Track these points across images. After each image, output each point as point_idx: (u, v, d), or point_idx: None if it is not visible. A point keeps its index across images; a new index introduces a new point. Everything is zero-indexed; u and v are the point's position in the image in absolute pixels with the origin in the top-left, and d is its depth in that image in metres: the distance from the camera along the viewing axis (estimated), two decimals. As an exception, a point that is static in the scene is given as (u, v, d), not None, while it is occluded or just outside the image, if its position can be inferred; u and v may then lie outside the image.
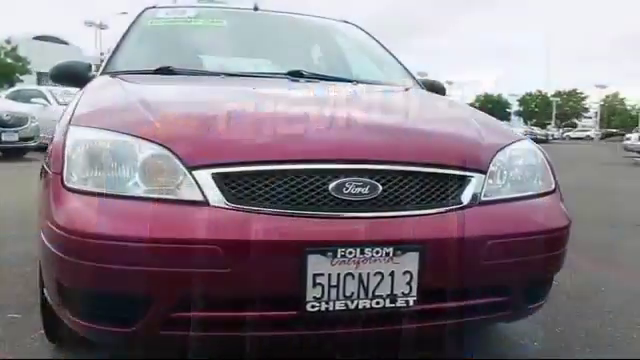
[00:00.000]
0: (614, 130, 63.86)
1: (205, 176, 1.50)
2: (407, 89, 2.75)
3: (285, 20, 3.24)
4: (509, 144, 1.87)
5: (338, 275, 1.48)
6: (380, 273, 1.50)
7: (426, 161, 1.66)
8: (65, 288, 1.54)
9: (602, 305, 2.77)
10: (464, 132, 1.92)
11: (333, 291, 1.48)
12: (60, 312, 1.62)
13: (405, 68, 3.05)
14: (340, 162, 1.57)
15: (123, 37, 2.76)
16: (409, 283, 1.52)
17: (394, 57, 3.15)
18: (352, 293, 1.49)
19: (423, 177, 1.63)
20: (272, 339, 1.58)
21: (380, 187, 1.56)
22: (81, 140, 1.61)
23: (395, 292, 1.52)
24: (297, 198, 1.51)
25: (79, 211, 1.50)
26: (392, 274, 1.51)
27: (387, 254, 1.50)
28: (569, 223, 1.80)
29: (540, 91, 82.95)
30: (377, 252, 1.49)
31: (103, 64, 2.62)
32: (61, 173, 1.56)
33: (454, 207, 1.63)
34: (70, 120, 1.73)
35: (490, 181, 1.72)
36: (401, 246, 1.51)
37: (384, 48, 3.21)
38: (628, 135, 22.41)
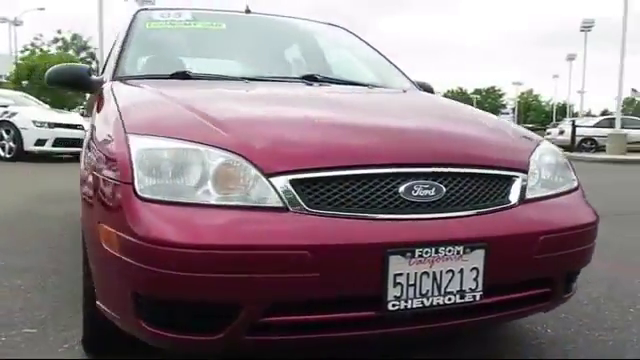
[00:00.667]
0: (530, 125, 67.24)
1: (283, 182, 1.53)
2: (405, 90, 2.86)
3: (282, 24, 3.27)
4: (538, 145, 2.01)
5: (415, 274, 1.55)
6: (451, 271, 1.59)
7: (480, 163, 1.77)
8: (143, 299, 1.52)
9: (591, 292, 2.97)
10: (502, 135, 2.04)
11: (411, 290, 1.55)
12: (130, 323, 1.59)
13: (399, 69, 3.16)
14: (409, 166, 1.65)
15: (125, 40, 2.70)
16: (476, 279, 1.62)
17: (386, 58, 3.25)
18: (427, 291, 1.57)
19: (478, 178, 1.73)
20: (353, 339, 1.62)
21: (444, 189, 1.65)
22: (148, 149, 1.60)
23: (464, 288, 1.61)
24: (370, 201, 1.57)
25: (160, 221, 1.48)
26: (461, 271, 1.60)
27: (457, 252, 1.58)
28: (598, 218, 1.95)
29: (461, 88, 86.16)
30: (449, 251, 1.57)
31: (110, 69, 2.55)
32: (132, 183, 1.54)
33: (506, 206, 1.74)
34: (124, 128, 1.70)
35: (530, 180, 1.85)
36: (470, 244, 1.60)
37: (375, 50, 3.30)
38: (549, 130, 23.79)
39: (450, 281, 1.59)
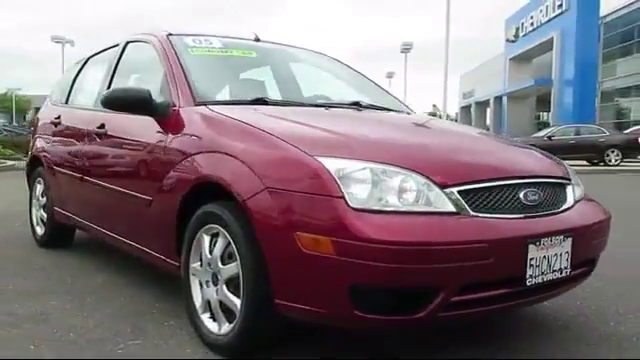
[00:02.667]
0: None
1: (455, 193, 2.00)
2: (408, 113, 3.42)
3: (299, 52, 3.63)
4: (559, 159, 2.70)
5: (539, 258, 2.10)
6: (556, 254, 2.16)
7: (555, 174, 2.40)
8: (361, 290, 1.87)
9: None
10: (541, 152, 2.69)
11: (537, 270, 2.10)
12: (341, 313, 1.93)
13: (390, 93, 3.70)
14: (523, 177, 2.22)
15: (182, 65, 2.84)
16: (568, 259, 2.21)
17: (376, 84, 3.77)
18: (544, 270, 2.13)
19: (555, 186, 2.35)
20: (501, 310, 2.13)
21: (542, 194, 2.23)
22: (341, 168, 1.96)
23: (562, 267, 2.19)
24: (506, 204, 2.10)
25: (376, 226, 1.86)
26: (561, 254, 2.18)
27: (560, 240, 2.17)
28: (610, 214, 2.67)
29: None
30: (557, 239, 2.15)
31: (182, 94, 2.69)
32: (343, 197, 1.89)
33: (571, 205, 2.38)
34: (304, 151, 2.03)
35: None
36: (566, 234, 2.19)
37: (365, 76, 3.81)
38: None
39: (555, 262, 2.17)
